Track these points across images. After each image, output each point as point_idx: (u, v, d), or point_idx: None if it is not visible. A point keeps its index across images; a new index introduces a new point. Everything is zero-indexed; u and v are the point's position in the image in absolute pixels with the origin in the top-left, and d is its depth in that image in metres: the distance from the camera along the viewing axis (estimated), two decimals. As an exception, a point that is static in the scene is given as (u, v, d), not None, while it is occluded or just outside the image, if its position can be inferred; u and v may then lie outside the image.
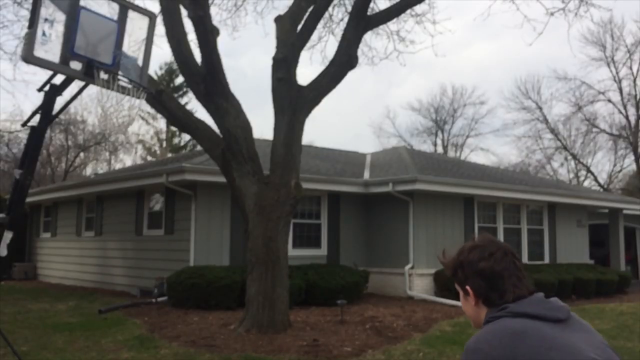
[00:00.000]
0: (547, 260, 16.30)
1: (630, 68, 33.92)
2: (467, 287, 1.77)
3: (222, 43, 54.47)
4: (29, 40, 5.09)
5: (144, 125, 35.76)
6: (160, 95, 8.90)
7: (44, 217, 19.30)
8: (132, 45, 5.95)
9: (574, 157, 37.68)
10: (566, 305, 1.67)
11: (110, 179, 15.01)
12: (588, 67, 57.38)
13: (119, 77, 5.66)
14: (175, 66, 32.00)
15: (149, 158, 36.79)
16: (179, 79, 36.12)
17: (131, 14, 5.92)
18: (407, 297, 13.17)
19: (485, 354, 1.55)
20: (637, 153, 34.36)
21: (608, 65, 34.27)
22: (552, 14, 10.81)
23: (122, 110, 5.75)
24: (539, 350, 1.50)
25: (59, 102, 5.81)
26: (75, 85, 5.77)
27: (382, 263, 14.05)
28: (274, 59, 9.16)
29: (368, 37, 13.48)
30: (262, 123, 29.70)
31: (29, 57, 5.08)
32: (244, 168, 8.72)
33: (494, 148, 68.39)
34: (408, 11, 11.20)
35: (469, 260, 1.76)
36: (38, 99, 6.43)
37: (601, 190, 34.57)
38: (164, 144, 37.58)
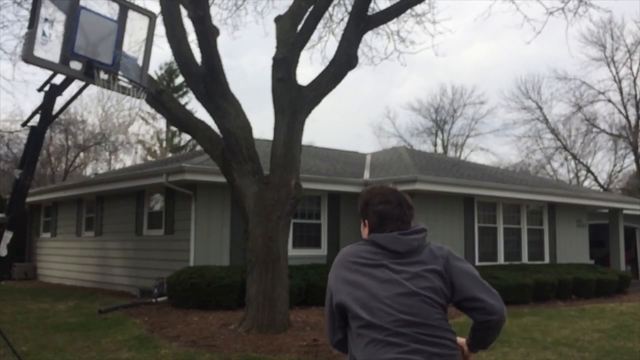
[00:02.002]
0: (547, 260, 16.30)
1: (630, 68, 33.94)
2: (366, 221, 2.38)
3: (222, 43, 54.48)
4: (29, 40, 5.09)
5: (144, 125, 35.77)
6: (160, 95, 8.90)
7: (44, 217, 19.30)
8: (132, 45, 5.95)
9: (574, 157, 37.69)
10: (412, 243, 2.23)
11: (110, 179, 15.01)
12: (588, 67, 57.47)
13: (119, 77, 5.65)
14: (175, 66, 32.04)
15: (149, 158, 36.78)
16: (179, 79, 36.12)
17: (131, 14, 5.91)
18: (407, 297, 13.16)
19: (340, 257, 2.34)
20: (637, 153, 34.35)
21: (608, 65, 34.31)
22: (551, 13, 10.81)
23: (122, 110, 5.74)
24: (360, 261, 2.23)
25: (59, 102, 5.81)
26: (75, 85, 5.77)
27: (382, 263, 14.04)
28: (274, 59, 9.16)
29: (368, 37, 13.49)
30: (262, 123, 29.78)
31: (29, 57, 5.07)
32: (244, 168, 8.72)
33: (494, 148, 68.39)
34: (408, 11, 11.19)
35: (373, 202, 2.35)
36: (38, 99, 6.44)
37: (601, 190, 34.57)
38: (164, 144, 37.57)
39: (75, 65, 5.43)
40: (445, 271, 2.24)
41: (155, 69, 36.32)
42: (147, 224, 13.86)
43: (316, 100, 9.35)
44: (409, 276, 2.16)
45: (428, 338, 2.11)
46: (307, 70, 35.64)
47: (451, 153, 43.30)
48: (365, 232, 2.39)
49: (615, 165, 37.60)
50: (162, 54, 58.70)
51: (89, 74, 5.42)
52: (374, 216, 2.33)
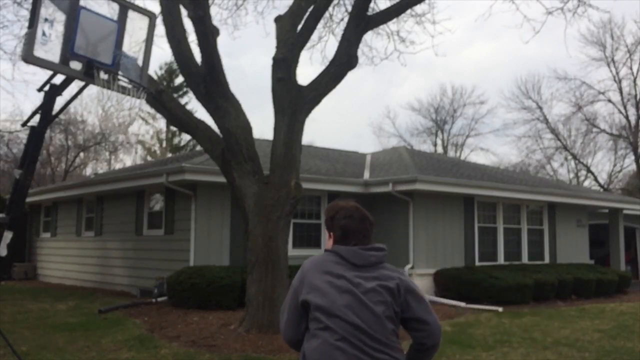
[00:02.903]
0: (547, 260, 16.30)
1: (630, 68, 33.94)
2: (331, 233, 2.63)
3: (222, 43, 54.47)
4: (29, 40, 5.09)
5: (144, 125, 35.75)
6: (160, 95, 8.90)
7: (44, 217, 19.29)
8: (132, 45, 5.95)
9: (574, 157, 37.69)
10: (370, 258, 2.48)
11: (110, 179, 15.01)
12: (588, 67, 57.47)
13: (119, 77, 5.65)
14: (175, 66, 32.02)
15: (149, 158, 36.78)
16: (179, 79, 36.11)
17: (131, 14, 5.92)
18: (407, 297, 13.15)
19: (308, 263, 2.53)
20: (637, 153, 34.35)
21: (608, 65, 34.30)
22: (550, 13, 10.82)
23: (122, 110, 5.75)
24: (327, 270, 2.44)
25: (59, 102, 5.82)
26: (75, 85, 5.77)
27: (382, 263, 14.03)
28: (274, 59, 9.16)
29: (368, 37, 13.50)
30: (262, 123, 29.77)
31: (29, 57, 5.08)
32: (244, 168, 8.72)
33: (494, 148, 68.34)
34: (408, 11, 11.19)
35: (338, 217, 2.60)
36: (38, 99, 6.44)
37: (601, 190, 34.56)
38: (164, 144, 37.56)
39: (75, 65, 5.43)
40: (398, 290, 2.44)
41: (155, 69, 36.36)
42: (147, 224, 13.86)
43: (316, 100, 9.35)
44: (364, 290, 2.40)
45: (373, 352, 2.32)
46: (307, 70, 35.72)
47: (451, 153, 43.30)
48: (329, 243, 2.64)
49: (615, 165, 37.64)
50: (162, 54, 58.74)
51: (89, 74, 5.43)
52: (339, 230, 2.58)
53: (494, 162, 41.38)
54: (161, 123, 36.34)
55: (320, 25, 11.03)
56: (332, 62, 9.43)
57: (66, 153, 32.62)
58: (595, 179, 37.48)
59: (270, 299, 8.41)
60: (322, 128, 55.76)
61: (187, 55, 8.73)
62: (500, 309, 11.42)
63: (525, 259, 15.67)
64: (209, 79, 8.59)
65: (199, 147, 17.18)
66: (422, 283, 13.43)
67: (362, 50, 12.00)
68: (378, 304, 2.38)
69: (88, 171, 36.97)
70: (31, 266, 19.02)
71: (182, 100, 34.28)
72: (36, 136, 5.62)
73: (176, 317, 9.80)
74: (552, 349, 7.80)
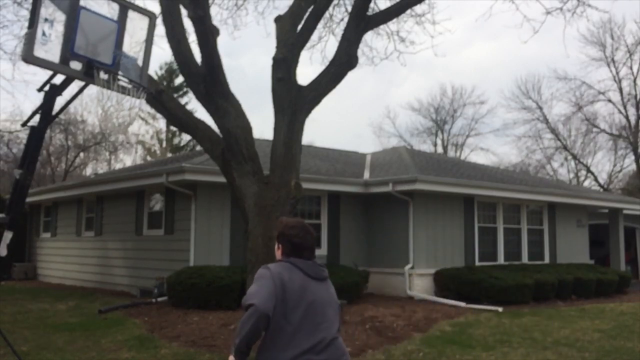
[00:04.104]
0: (547, 260, 16.30)
1: (631, 68, 33.95)
2: (280, 245, 3.12)
3: (222, 43, 54.47)
4: (29, 40, 5.08)
5: (144, 125, 35.75)
6: (160, 95, 8.89)
7: (44, 217, 19.29)
8: (132, 45, 5.95)
9: (574, 157, 37.69)
10: (322, 274, 3.05)
11: (110, 179, 15.01)
12: (588, 67, 57.46)
13: (119, 77, 5.65)
14: (175, 66, 31.99)
15: (149, 158, 36.78)
16: (179, 79, 36.10)
17: (131, 14, 5.91)
18: (407, 297, 13.17)
19: (271, 271, 2.91)
20: (637, 153, 34.36)
21: (608, 65, 34.31)
22: (549, 13, 10.81)
23: (122, 110, 5.74)
24: (291, 279, 2.89)
25: (59, 102, 5.82)
26: (75, 85, 5.77)
27: (382, 263, 14.05)
28: (274, 59, 9.15)
29: (368, 37, 13.49)
30: (262, 123, 29.75)
31: (29, 57, 5.07)
32: (244, 168, 8.71)
33: (494, 148, 68.38)
34: (408, 11, 11.18)
35: (288, 234, 3.09)
36: (38, 99, 6.43)
37: (601, 190, 34.56)
38: (164, 144, 37.57)
39: (75, 65, 5.43)
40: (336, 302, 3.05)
41: (155, 69, 36.35)
42: (147, 224, 13.86)
43: (316, 100, 9.34)
44: (321, 295, 2.95)
45: (331, 348, 2.86)
46: (307, 70, 35.70)
47: (451, 153, 43.29)
48: (278, 253, 3.15)
49: (615, 165, 37.64)
50: (162, 54, 58.73)
51: (89, 74, 5.42)
52: (288, 244, 3.07)
53: (494, 162, 41.41)
54: (161, 123, 36.37)
55: (320, 25, 11.03)
56: (332, 62, 9.43)
57: (66, 153, 32.62)
58: (595, 179, 37.51)
59: (270, 299, 8.40)
60: (322, 128, 55.79)
61: (187, 55, 8.72)
62: (500, 309, 11.42)
63: (525, 259, 15.67)
64: (209, 79, 8.59)
65: (199, 147, 17.18)
66: (422, 283, 13.44)
67: (362, 50, 12.00)
68: (333, 308, 3.05)
69: (88, 171, 36.99)
70: (31, 266, 19.02)
71: (182, 100, 34.28)
72: (36, 136, 5.62)
73: (176, 317, 9.80)
74: (552, 349, 7.80)
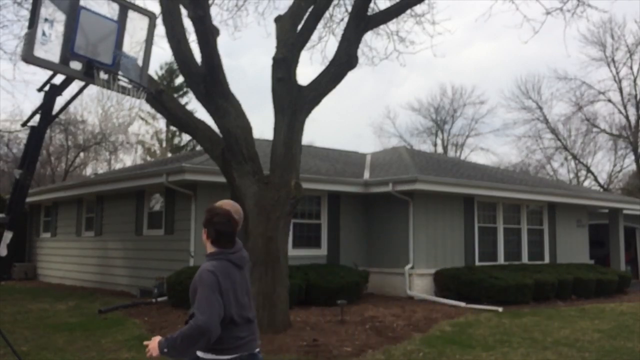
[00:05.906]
0: (547, 260, 16.30)
1: (631, 68, 33.94)
2: (206, 232, 3.19)
3: (223, 43, 54.49)
4: (29, 40, 5.09)
5: (144, 125, 35.75)
6: (160, 95, 8.90)
7: (44, 217, 19.29)
8: (132, 45, 5.95)
9: (574, 157, 37.68)
10: (244, 260, 3.25)
11: (110, 179, 15.01)
12: (588, 67, 57.37)
13: (119, 77, 5.65)
14: (175, 66, 31.97)
15: (149, 158, 36.78)
16: (179, 79, 36.11)
17: (131, 14, 5.91)
18: (407, 297, 13.17)
19: (215, 274, 3.04)
20: (637, 153, 34.36)
21: (608, 65, 34.31)
22: (549, 13, 10.83)
23: (122, 110, 5.74)
24: (228, 274, 3.12)
25: (59, 102, 5.82)
26: (75, 85, 5.77)
27: (382, 263, 14.06)
28: (274, 59, 9.16)
29: (368, 37, 13.51)
30: (262, 123, 29.76)
31: (29, 57, 5.07)
32: (244, 168, 8.72)
33: (494, 148, 68.26)
34: (408, 11, 11.20)
35: (214, 221, 3.17)
36: (38, 99, 6.43)
37: (601, 190, 34.56)
38: (164, 144, 37.57)
39: (75, 65, 5.43)
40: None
41: (155, 69, 36.35)
42: (147, 224, 13.86)
43: (316, 100, 9.35)
44: (245, 285, 3.23)
45: (257, 333, 3.26)
46: (307, 70, 35.71)
47: (451, 153, 43.29)
48: (205, 238, 3.22)
49: (615, 165, 37.63)
50: (162, 54, 58.74)
51: (89, 74, 5.42)
52: (213, 232, 3.16)
53: (494, 162, 41.42)
54: (161, 123, 36.38)
55: (320, 25, 11.04)
56: (332, 62, 9.44)
57: (66, 153, 32.62)
58: (595, 179, 37.50)
59: (270, 299, 8.42)
60: (322, 128, 55.76)
61: (187, 55, 8.73)
62: (500, 309, 11.42)
63: (525, 259, 15.67)
64: (209, 79, 8.59)
65: (199, 147, 17.19)
66: (422, 283, 13.44)
67: (362, 50, 12.02)
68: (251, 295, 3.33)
69: (88, 171, 36.99)
70: (31, 266, 19.02)
71: (182, 100, 34.29)
72: (36, 136, 5.62)
73: (176, 317, 9.80)
74: (552, 349, 7.80)
